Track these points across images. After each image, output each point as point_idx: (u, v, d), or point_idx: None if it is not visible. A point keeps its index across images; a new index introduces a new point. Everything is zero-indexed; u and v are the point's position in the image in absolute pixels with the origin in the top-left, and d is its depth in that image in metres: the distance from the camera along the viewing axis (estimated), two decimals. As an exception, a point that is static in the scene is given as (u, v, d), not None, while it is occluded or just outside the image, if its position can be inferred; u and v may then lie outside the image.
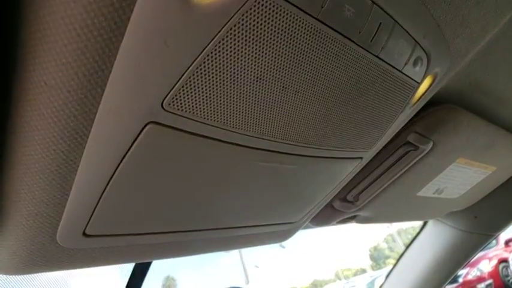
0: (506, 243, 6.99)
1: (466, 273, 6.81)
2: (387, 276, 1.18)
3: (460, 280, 6.90)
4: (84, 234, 0.37)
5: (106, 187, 0.33)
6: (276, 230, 0.59)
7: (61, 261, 0.42)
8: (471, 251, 1.02)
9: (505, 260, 6.53)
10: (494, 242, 7.28)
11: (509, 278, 6.41)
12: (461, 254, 1.03)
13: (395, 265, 1.15)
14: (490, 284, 6.52)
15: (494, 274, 6.61)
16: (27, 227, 0.37)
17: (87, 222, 0.36)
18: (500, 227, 0.98)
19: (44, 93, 0.27)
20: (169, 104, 0.27)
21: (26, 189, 0.33)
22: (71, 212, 0.35)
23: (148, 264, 0.59)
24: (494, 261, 6.75)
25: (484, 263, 6.78)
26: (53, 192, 0.33)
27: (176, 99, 0.27)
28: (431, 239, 1.06)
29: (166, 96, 0.26)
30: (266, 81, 0.28)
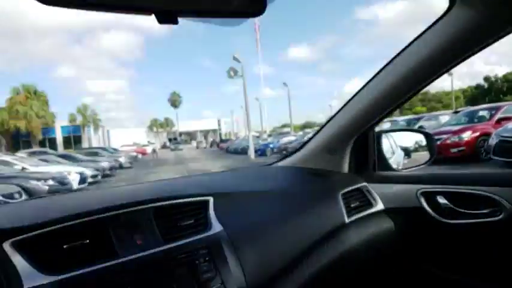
0: (498, 121, 7.22)
1: (446, 138, 7.35)
2: (393, 58, 1.11)
3: (438, 143, 7.52)
4: None
5: None
6: None
7: None
8: (486, 38, 0.97)
9: (487, 134, 6.89)
10: (487, 116, 7.52)
11: (482, 149, 6.96)
12: (477, 39, 0.99)
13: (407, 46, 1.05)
14: (461, 150, 7.14)
15: (470, 143, 7.15)
16: None
17: None
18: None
19: None
20: None
21: None
22: None
23: None
24: (477, 134, 7.17)
25: (467, 133, 7.21)
26: None
27: None
28: (449, 21, 0.99)
29: None
30: None
